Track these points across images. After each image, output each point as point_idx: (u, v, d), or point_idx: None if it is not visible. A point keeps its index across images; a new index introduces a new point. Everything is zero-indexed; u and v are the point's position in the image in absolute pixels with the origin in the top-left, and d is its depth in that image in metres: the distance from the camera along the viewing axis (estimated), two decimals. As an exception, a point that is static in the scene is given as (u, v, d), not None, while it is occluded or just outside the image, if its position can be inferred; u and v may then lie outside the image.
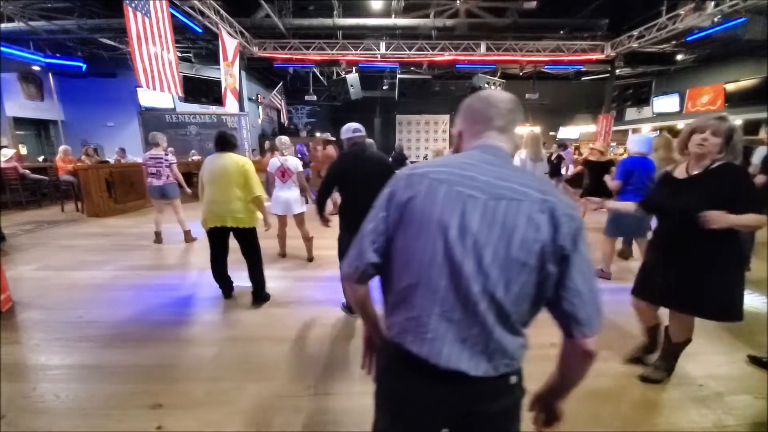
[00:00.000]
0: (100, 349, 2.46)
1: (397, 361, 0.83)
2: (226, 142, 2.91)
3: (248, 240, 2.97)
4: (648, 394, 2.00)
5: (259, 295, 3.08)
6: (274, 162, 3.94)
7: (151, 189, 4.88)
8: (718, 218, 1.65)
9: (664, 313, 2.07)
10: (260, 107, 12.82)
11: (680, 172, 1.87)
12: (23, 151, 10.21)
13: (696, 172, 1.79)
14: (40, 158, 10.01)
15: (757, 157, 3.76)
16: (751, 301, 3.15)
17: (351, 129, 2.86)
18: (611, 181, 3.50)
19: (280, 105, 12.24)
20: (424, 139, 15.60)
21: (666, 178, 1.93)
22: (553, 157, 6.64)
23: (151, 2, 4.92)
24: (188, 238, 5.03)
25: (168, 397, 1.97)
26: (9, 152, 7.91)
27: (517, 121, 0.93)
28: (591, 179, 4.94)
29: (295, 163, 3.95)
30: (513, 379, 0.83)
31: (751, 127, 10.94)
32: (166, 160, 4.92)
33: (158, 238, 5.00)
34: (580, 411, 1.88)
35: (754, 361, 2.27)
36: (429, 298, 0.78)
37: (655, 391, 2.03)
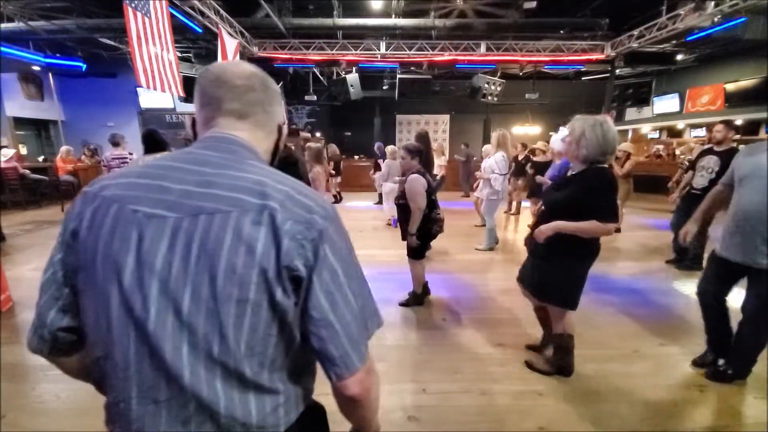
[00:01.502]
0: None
1: None
2: (165, 142, 2.87)
3: None
4: (647, 394, 2.01)
5: None
6: None
7: None
8: (545, 231, 1.81)
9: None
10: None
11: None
12: (23, 151, 10.21)
13: (574, 172, 1.89)
14: (40, 158, 10.00)
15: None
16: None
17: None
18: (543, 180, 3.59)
19: (280, 102, 12.20)
20: (424, 139, 15.57)
21: (563, 176, 2.05)
22: (521, 157, 6.71)
23: (151, 2, 4.91)
24: None
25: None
26: (9, 152, 7.90)
27: (264, 103, 0.68)
28: (533, 179, 5.15)
29: None
30: None
31: (751, 127, 10.97)
32: (131, 159, 4.89)
33: None
34: (580, 411, 1.88)
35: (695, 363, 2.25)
36: (121, 377, 0.54)
37: (655, 391, 2.03)
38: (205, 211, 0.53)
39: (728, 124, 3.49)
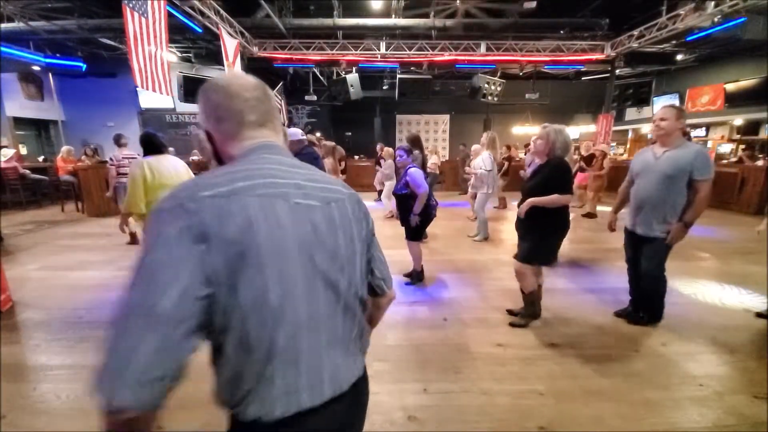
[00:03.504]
0: (101, 349, 2.46)
1: None
2: (163, 145, 2.98)
3: None
4: (648, 393, 2.01)
5: None
6: None
7: (126, 188, 4.87)
8: (523, 207, 2.47)
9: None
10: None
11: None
12: (23, 151, 10.21)
13: (540, 164, 2.56)
14: (40, 158, 10.01)
15: None
16: (751, 300, 3.15)
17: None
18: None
19: (280, 105, 12.22)
20: (424, 139, 15.54)
21: (533, 170, 2.64)
22: (503, 157, 7.41)
23: (149, 2, 4.92)
24: (135, 240, 4.97)
25: (168, 398, 1.97)
26: (9, 152, 7.91)
27: (274, 110, 0.78)
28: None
29: None
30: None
31: (751, 127, 10.97)
32: (135, 162, 4.97)
33: (136, 238, 4.95)
34: (581, 411, 1.88)
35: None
36: (314, 334, 0.68)
37: (656, 391, 2.03)
38: (331, 200, 0.74)
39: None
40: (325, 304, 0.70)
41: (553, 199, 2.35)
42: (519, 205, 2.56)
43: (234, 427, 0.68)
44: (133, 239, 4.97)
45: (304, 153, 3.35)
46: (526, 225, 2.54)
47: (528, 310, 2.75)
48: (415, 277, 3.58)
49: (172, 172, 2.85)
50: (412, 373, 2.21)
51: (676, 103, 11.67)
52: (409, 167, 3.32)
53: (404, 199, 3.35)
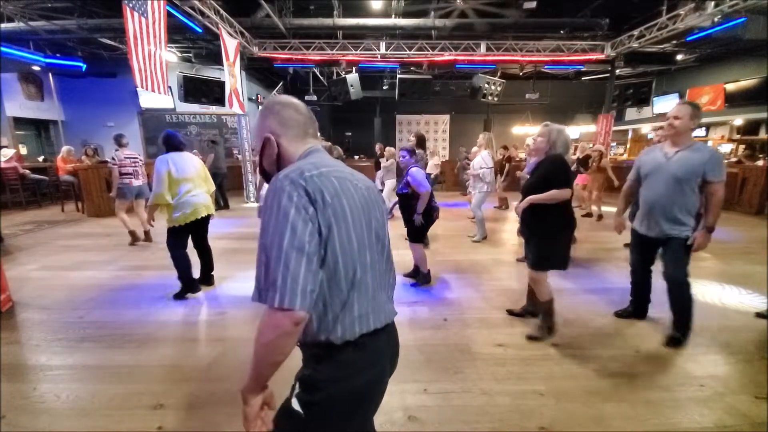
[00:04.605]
0: (101, 349, 2.46)
1: (361, 353, 0.90)
2: (182, 143, 3.19)
3: (207, 225, 3.38)
4: (649, 394, 2.01)
5: (212, 278, 3.54)
6: None
7: (130, 189, 4.92)
8: (521, 205, 2.44)
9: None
10: (260, 107, 12.81)
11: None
12: (23, 151, 10.20)
13: (538, 161, 2.49)
14: (40, 158, 10.00)
15: None
16: (751, 300, 3.15)
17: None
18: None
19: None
20: (424, 139, 15.58)
21: (533, 168, 2.56)
22: (501, 158, 7.55)
23: (149, 2, 4.92)
24: (149, 237, 5.07)
25: (170, 398, 1.97)
26: (9, 152, 7.91)
27: (316, 125, 1.06)
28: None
29: None
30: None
31: (751, 127, 10.97)
32: (141, 160, 5.02)
33: (137, 236, 5.00)
34: (582, 411, 1.88)
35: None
36: (374, 273, 0.94)
37: (657, 391, 2.03)
38: (369, 186, 1.00)
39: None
40: (378, 252, 0.96)
41: (552, 194, 2.30)
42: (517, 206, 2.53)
43: (322, 349, 0.88)
44: (134, 238, 4.97)
45: None
46: (529, 226, 2.49)
47: (546, 321, 2.56)
48: (422, 278, 3.56)
49: (191, 167, 3.14)
50: (412, 373, 2.21)
51: (677, 102, 11.65)
52: (411, 167, 3.34)
53: (406, 199, 3.37)
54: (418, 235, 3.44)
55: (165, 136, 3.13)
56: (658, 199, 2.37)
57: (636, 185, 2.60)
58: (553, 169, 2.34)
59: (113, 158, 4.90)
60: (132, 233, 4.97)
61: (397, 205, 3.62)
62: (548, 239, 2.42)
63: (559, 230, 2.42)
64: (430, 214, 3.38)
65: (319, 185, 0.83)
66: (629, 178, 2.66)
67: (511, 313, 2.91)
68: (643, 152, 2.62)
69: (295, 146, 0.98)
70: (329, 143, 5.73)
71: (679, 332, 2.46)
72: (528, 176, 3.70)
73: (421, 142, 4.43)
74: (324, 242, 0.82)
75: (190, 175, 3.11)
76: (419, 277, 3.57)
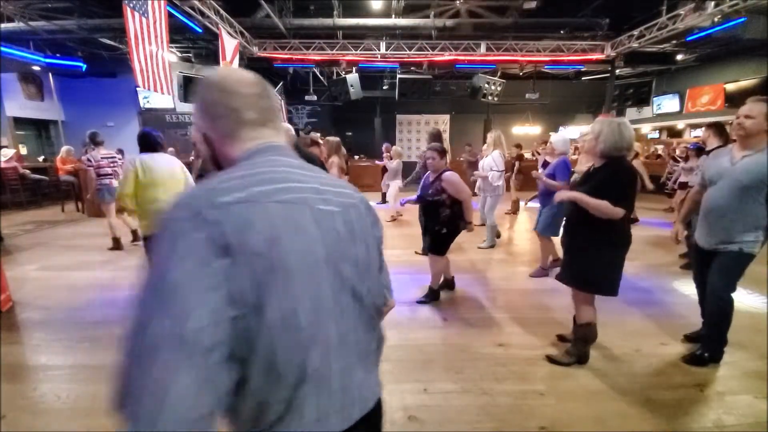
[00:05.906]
0: (101, 349, 2.46)
1: None
2: (158, 143, 2.89)
3: None
4: (649, 394, 2.00)
5: None
6: None
7: (110, 190, 4.64)
8: (562, 194, 2.11)
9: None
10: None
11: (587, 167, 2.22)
12: (23, 151, 10.20)
13: (595, 166, 2.12)
14: (40, 158, 10.00)
15: None
16: (751, 300, 3.15)
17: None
18: (553, 181, 3.62)
19: (280, 105, 12.20)
20: (424, 139, 15.58)
21: (585, 172, 2.21)
22: (513, 157, 7.38)
23: (149, 2, 4.92)
24: (119, 245, 4.73)
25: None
26: (9, 152, 7.91)
27: (276, 109, 0.71)
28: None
29: None
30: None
31: (751, 127, 10.96)
32: (119, 159, 4.80)
33: (120, 245, 4.71)
34: (582, 411, 1.88)
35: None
36: (345, 352, 0.63)
37: (657, 391, 2.03)
38: (349, 205, 0.69)
39: (712, 126, 3.47)
40: (352, 317, 0.65)
41: (600, 204, 1.91)
42: (530, 200, 2.31)
43: None
44: (117, 245, 4.75)
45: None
46: (570, 233, 2.19)
47: (578, 348, 2.25)
48: (430, 294, 3.17)
49: (165, 170, 2.77)
50: (412, 373, 2.21)
51: (677, 102, 11.65)
52: (444, 171, 2.94)
53: (433, 207, 2.95)
54: (440, 246, 3.04)
55: (139, 134, 2.90)
56: (715, 207, 2.12)
57: (702, 191, 2.32)
58: (615, 177, 1.96)
59: (89, 158, 4.67)
60: (115, 240, 4.72)
61: (419, 212, 3.20)
62: (597, 254, 2.05)
63: (612, 245, 2.05)
64: (456, 223, 2.97)
65: (243, 220, 0.52)
66: (697, 182, 2.44)
67: (562, 339, 2.52)
68: (711, 156, 2.39)
69: (231, 145, 0.66)
70: (336, 138, 4.75)
71: (707, 350, 2.26)
72: (545, 177, 3.58)
73: (437, 138, 4.06)
74: (245, 319, 0.50)
75: (161, 178, 2.73)
76: (427, 293, 3.20)
